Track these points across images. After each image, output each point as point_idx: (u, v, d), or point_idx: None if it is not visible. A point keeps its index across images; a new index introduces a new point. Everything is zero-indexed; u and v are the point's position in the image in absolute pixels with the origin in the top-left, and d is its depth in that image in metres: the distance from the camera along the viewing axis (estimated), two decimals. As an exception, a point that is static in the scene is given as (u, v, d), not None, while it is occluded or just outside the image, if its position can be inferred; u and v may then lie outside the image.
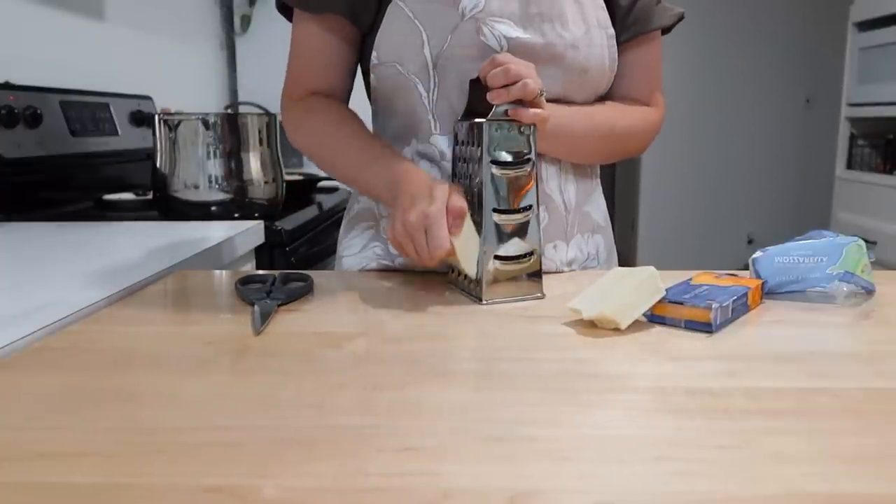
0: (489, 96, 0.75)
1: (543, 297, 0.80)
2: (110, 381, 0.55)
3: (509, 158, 0.77)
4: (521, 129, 0.77)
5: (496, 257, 0.77)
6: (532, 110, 0.75)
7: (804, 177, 4.00)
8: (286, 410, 0.50)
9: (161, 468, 0.41)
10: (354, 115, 0.91)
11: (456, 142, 0.83)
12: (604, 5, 0.88)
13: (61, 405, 0.51)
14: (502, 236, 0.77)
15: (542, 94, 0.75)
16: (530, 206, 0.78)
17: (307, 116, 0.91)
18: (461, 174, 0.82)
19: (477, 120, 0.76)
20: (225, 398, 0.52)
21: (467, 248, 0.75)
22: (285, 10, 0.91)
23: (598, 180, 0.99)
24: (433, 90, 0.85)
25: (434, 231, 0.71)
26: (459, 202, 0.73)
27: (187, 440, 0.45)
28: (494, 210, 0.76)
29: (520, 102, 0.75)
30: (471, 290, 0.79)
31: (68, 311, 0.71)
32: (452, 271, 0.84)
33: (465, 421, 0.48)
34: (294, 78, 0.93)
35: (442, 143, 0.87)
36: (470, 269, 0.76)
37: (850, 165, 3.08)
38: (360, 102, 0.95)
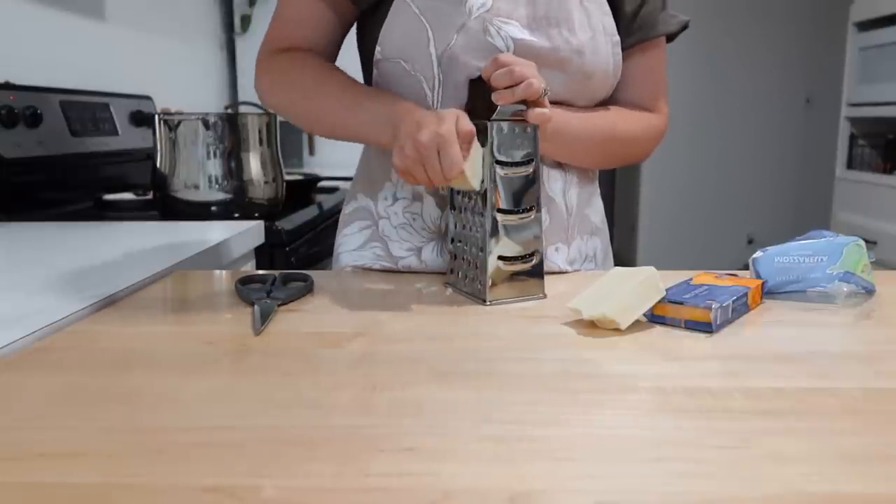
0: (494, 97, 0.75)
1: (545, 297, 0.80)
2: (110, 381, 0.55)
3: (513, 159, 0.77)
4: (525, 130, 0.77)
5: (499, 258, 0.77)
6: (536, 110, 0.75)
7: (804, 177, 4.00)
8: (286, 410, 0.50)
9: (161, 468, 0.41)
10: (338, 68, 0.89)
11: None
12: (609, 12, 0.87)
13: (61, 405, 0.51)
14: (505, 236, 0.77)
15: (545, 94, 0.75)
16: (533, 207, 0.78)
17: (289, 71, 0.89)
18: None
19: (481, 120, 0.76)
20: (225, 398, 0.52)
21: (474, 166, 0.74)
22: None
23: (597, 183, 0.99)
24: (437, 89, 0.84)
25: (447, 150, 0.70)
26: (468, 124, 0.72)
27: (187, 440, 0.45)
28: (498, 210, 0.76)
29: (523, 102, 0.75)
30: (473, 290, 0.79)
31: (68, 311, 0.71)
32: (452, 272, 0.84)
33: (465, 421, 0.48)
34: (275, 37, 0.91)
35: None
36: (476, 184, 0.75)
37: (850, 165, 3.08)
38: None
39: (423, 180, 0.73)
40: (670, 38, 0.94)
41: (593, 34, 0.85)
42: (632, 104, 0.93)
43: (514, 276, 0.78)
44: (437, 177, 0.71)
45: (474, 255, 0.79)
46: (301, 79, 0.88)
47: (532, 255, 0.79)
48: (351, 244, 0.96)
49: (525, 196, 0.78)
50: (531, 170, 0.78)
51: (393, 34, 0.84)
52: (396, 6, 0.82)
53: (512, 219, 0.77)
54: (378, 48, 0.85)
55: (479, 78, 0.78)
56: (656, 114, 0.95)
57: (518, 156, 0.77)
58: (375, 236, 0.94)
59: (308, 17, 0.89)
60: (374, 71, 0.88)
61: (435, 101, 0.85)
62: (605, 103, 0.92)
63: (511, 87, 0.73)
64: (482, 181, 0.75)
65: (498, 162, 0.76)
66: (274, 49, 0.91)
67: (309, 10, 0.89)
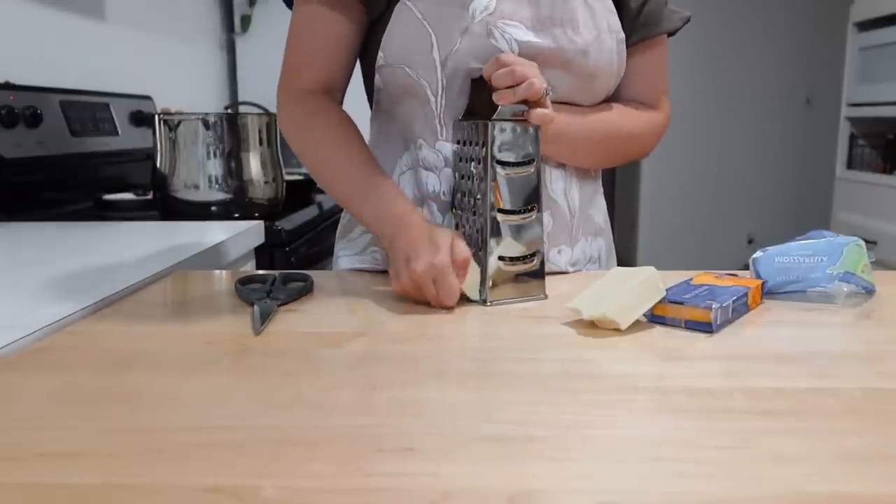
0: (495, 97, 0.74)
1: (546, 297, 0.79)
2: (110, 381, 0.55)
3: (514, 159, 0.76)
4: (527, 130, 0.77)
5: (500, 258, 0.77)
6: (538, 110, 0.75)
7: (804, 177, 4.00)
8: (286, 410, 0.50)
9: (161, 468, 0.41)
10: (354, 127, 0.88)
11: (456, 142, 0.83)
12: (614, 9, 0.87)
13: (61, 405, 0.51)
14: (506, 237, 0.77)
15: (547, 94, 0.75)
16: (534, 207, 0.78)
17: (308, 120, 0.87)
18: (463, 174, 0.82)
19: (482, 120, 0.76)
20: (225, 398, 0.52)
21: (471, 282, 0.76)
22: None
23: (600, 182, 0.99)
24: (441, 94, 0.84)
25: (443, 281, 0.72)
26: (464, 251, 0.74)
27: (187, 440, 0.45)
28: (499, 210, 0.76)
29: (525, 102, 0.75)
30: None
31: (68, 311, 0.71)
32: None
33: (465, 421, 0.48)
34: (294, 65, 0.88)
35: (448, 150, 0.86)
36: (474, 296, 0.77)
37: (850, 165, 3.08)
38: (356, 102, 0.93)
39: (423, 302, 0.75)
40: (671, 33, 0.93)
41: (598, 33, 0.85)
42: (634, 101, 0.93)
43: (515, 276, 0.78)
44: (435, 303, 0.74)
45: (475, 255, 0.79)
46: (318, 143, 0.87)
47: (533, 255, 0.79)
48: (351, 249, 0.96)
49: (526, 196, 0.78)
50: (532, 170, 0.78)
51: (395, 40, 0.83)
52: (398, 11, 0.81)
53: (513, 219, 0.77)
54: (381, 54, 0.84)
55: (481, 77, 0.78)
56: (658, 110, 0.95)
57: (519, 156, 0.77)
58: (375, 241, 0.93)
59: (325, 34, 0.86)
60: (377, 76, 0.87)
61: (439, 107, 0.84)
62: (606, 100, 0.92)
63: (512, 86, 0.73)
64: (480, 290, 0.77)
65: (499, 162, 0.76)
66: (295, 84, 0.88)
67: (325, 27, 0.86)
